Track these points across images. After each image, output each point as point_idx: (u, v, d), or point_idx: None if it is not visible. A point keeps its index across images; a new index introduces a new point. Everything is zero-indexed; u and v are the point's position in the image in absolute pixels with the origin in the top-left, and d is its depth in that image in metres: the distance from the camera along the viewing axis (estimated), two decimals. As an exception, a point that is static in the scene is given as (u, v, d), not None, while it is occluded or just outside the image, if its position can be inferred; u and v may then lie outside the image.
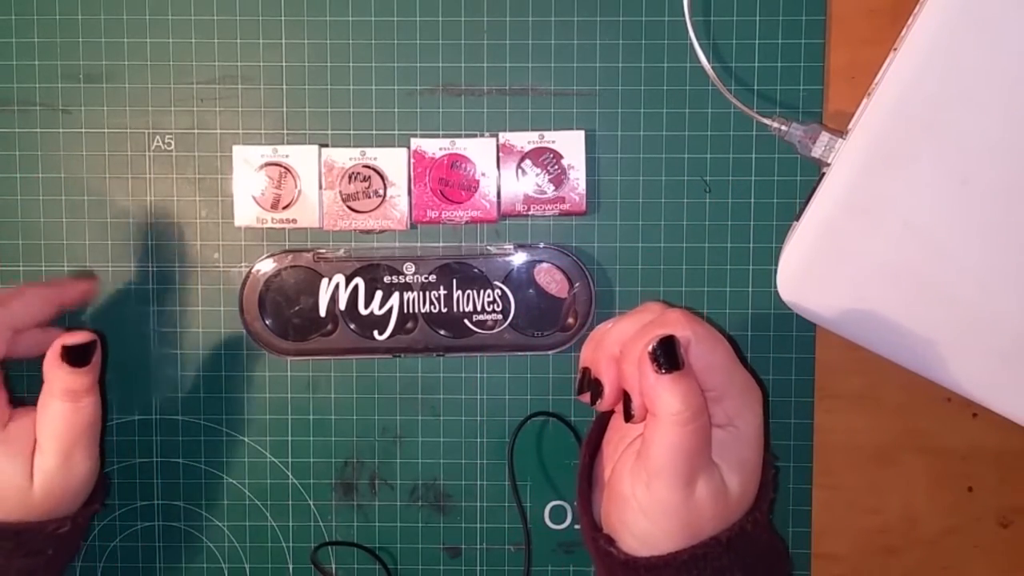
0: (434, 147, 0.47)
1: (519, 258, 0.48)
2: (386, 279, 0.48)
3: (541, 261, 0.48)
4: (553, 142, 0.47)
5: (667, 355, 0.36)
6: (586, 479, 0.42)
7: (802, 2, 0.47)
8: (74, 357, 0.42)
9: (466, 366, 0.49)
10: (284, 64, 0.48)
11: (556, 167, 0.47)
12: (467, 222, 0.48)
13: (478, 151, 0.47)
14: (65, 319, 0.49)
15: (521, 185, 0.47)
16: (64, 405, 0.42)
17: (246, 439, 0.50)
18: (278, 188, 0.47)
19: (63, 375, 0.42)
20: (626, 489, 0.38)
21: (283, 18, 0.48)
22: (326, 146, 0.48)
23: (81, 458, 0.43)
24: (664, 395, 0.35)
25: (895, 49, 0.43)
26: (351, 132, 0.48)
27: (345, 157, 0.47)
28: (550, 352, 0.48)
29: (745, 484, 0.38)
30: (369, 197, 0.47)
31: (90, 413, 0.43)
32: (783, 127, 0.45)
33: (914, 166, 0.42)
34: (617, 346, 0.38)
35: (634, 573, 0.37)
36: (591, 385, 0.40)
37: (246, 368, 0.49)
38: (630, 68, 0.48)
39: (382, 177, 0.47)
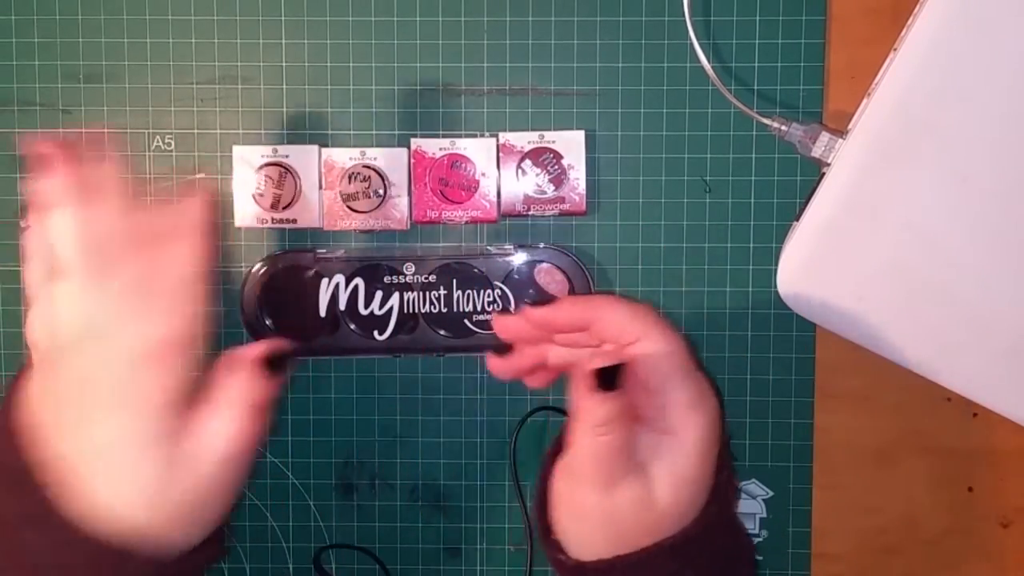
0: (434, 147, 0.47)
1: (519, 258, 0.48)
2: (386, 279, 0.48)
3: (541, 261, 0.48)
4: (553, 142, 0.47)
5: (608, 379, 0.36)
6: (544, 488, 0.42)
7: (802, 2, 0.47)
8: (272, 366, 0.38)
9: (466, 366, 0.49)
10: (284, 64, 0.48)
11: (556, 167, 0.47)
12: (467, 222, 0.48)
13: (478, 151, 0.47)
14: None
15: (521, 185, 0.47)
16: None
17: (246, 439, 0.49)
18: (278, 188, 0.47)
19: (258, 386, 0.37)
20: (560, 490, 0.39)
21: (283, 18, 0.48)
22: (326, 146, 0.48)
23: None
24: (592, 407, 0.36)
25: (895, 49, 0.43)
26: (351, 132, 0.48)
27: (345, 157, 0.47)
28: (550, 352, 0.48)
29: (678, 495, 0.38)
30: (369, 197, 0.47)
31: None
32: (783, 127, 0.45)
33: (914, 166, 0.42)
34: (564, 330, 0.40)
35: None
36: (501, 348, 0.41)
37: (246, 368, 0.49)
38: (630, 68, 0.48)
39: (382, 177, 0.47)
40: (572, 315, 0.39)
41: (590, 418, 0.36)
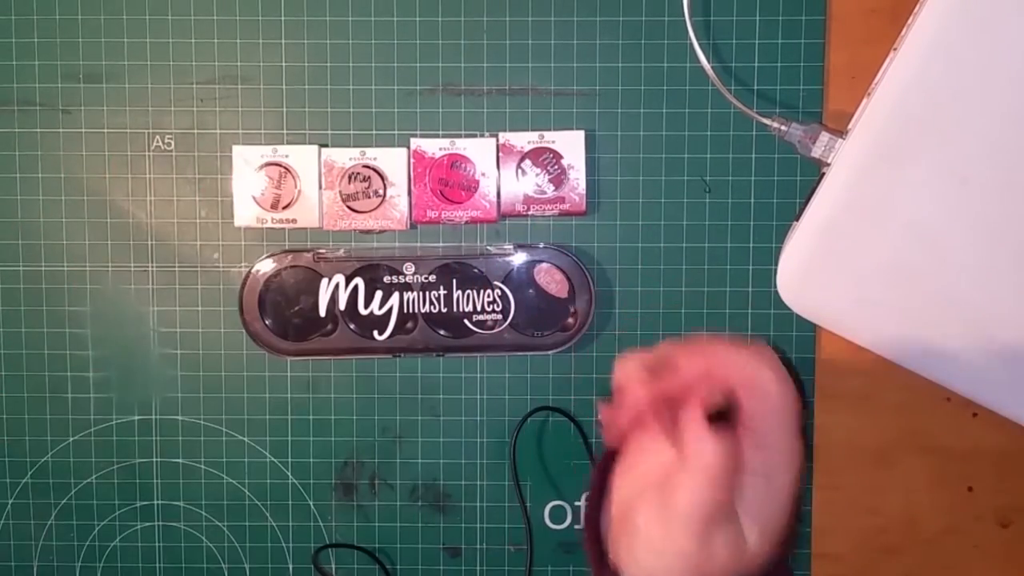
0: (434, 147, 0.47)
1: (519, 258, 0.48)
2: (386, 279, 0.48)
3: (541, 261, 0.48)
4: (553, 142, 0.47)
5: (724, 411, 0.35)
6: (596, 504, 0.41)
7: (802, 2, 0.47)
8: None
9: (466, 366, 0.49)
10: (284, 64, 0.48)
11: (556, 167, 0.47)
12: (467, 222, 0.48)
13: (478, 151, 0.47)
14: (65, 322, 0.49)
15: (521, 185, 0.47)
16: None
17: (246, 439, 0.50)
18: (278, 188, 0.47)
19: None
20: (641, 524, 0.37)
21: (283, 18, 0.48)
22: (326, 146, 0.48)
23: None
24: (705, 447, 0.34)
25: (895, 49, 0.43)
26: (351, 132, 0.48)
27: (345, 157, 0.47)
28: (550, 352, 0.48)
29: (763, 539, 0.37)
30: (369, 197, 0.47)
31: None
32: (783, 127, 0.45)
33: (914, 166, 0.42)
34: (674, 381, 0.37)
35: None
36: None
37: (246, 368, 0.49)
38: (630, 68, 0.48)
39: (382, 177, 0.47)
40: (693, 371, 0.36)
41: (702, 462, 0.34)
